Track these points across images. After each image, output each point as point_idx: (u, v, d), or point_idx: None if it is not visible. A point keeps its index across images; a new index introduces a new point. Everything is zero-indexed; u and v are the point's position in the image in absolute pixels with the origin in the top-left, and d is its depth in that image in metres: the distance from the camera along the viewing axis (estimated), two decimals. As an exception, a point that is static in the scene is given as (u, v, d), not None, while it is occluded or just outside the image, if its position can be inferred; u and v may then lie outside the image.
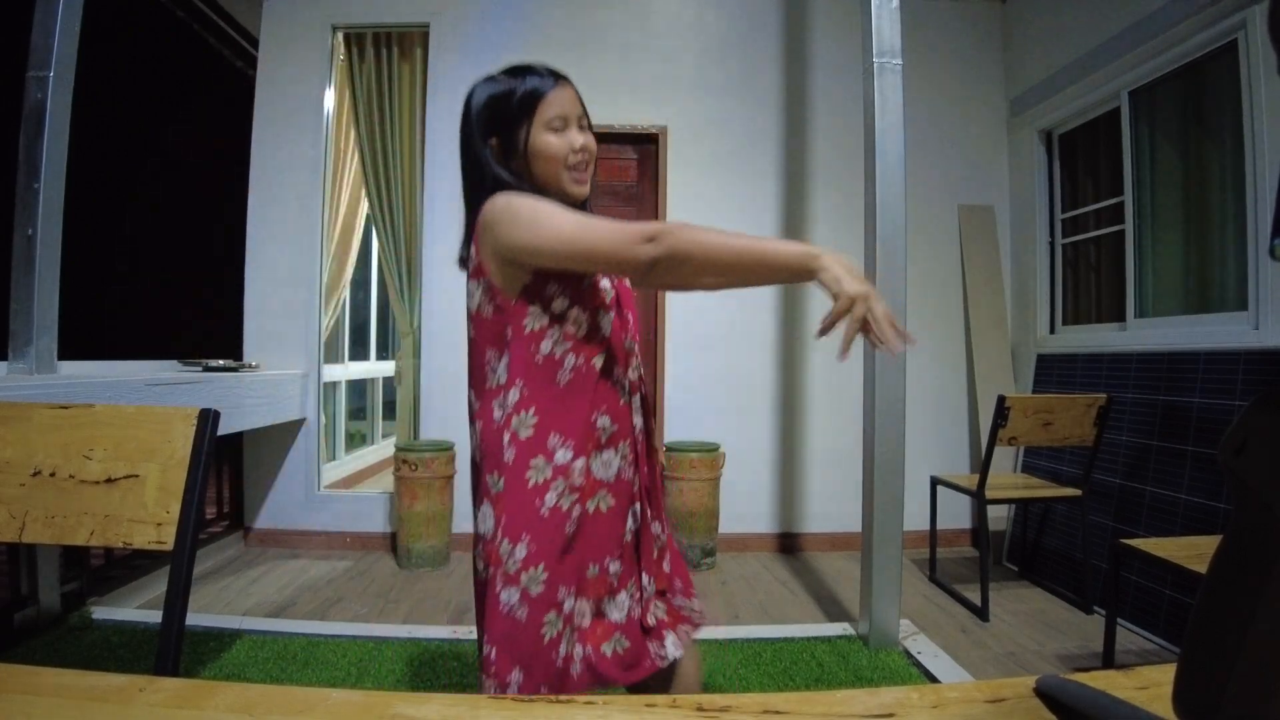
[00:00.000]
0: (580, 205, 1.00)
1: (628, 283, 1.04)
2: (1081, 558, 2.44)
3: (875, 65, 2.14)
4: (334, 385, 3.80)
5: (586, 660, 0.90)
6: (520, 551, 0.87)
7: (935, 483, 2.68)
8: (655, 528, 1.01)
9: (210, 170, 3.40)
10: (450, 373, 3.16)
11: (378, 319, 4.54)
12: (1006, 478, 2.78)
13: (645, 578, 0.98)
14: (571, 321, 0.93)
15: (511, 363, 0.92)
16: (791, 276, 0.84)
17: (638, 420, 1.00)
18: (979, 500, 2.35)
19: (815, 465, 3.20)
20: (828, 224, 3.25)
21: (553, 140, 0.96)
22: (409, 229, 3.30)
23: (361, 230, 3.75)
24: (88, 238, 2.42)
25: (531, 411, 0.90)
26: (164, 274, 3.17)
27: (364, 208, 3.61)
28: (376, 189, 3.28)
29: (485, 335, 0.96)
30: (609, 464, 0.95)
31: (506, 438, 0.91)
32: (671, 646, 0.96)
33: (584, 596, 0.92)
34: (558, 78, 0.99)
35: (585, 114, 1.01)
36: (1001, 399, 2.28)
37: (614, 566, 0.95)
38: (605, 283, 0.97)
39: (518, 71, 0.99)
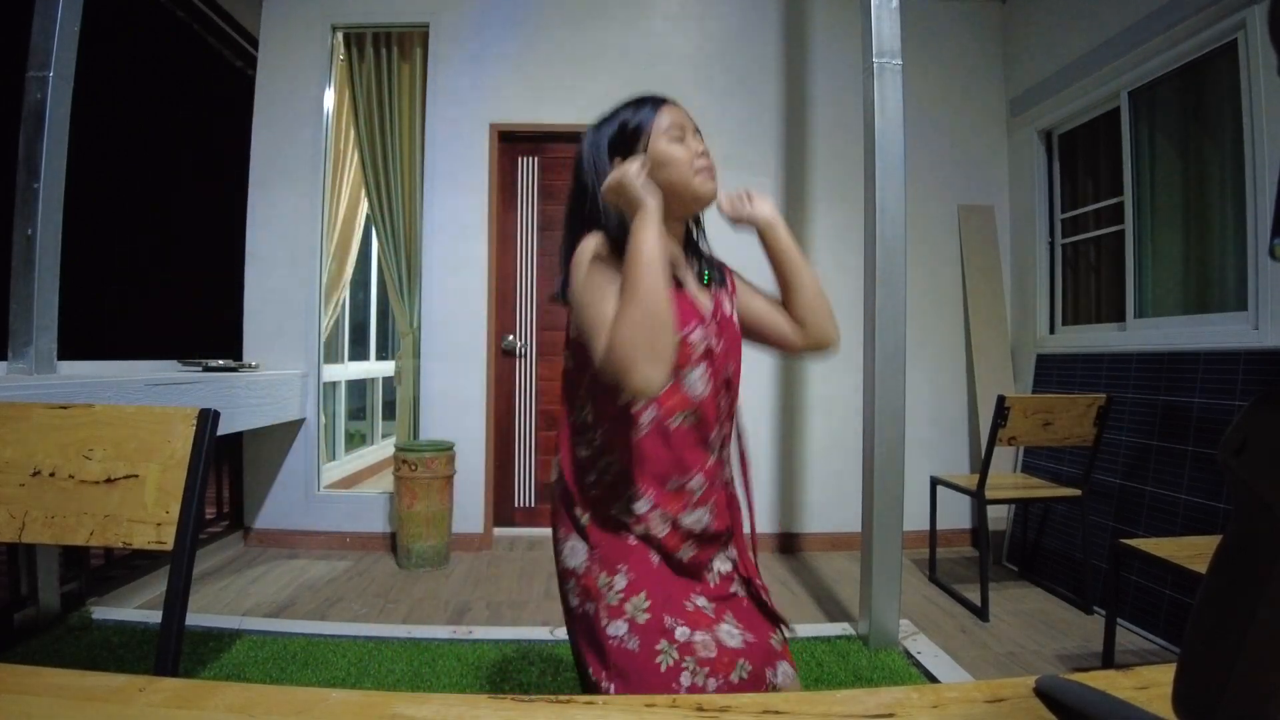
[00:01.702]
0: (707, 205, 1.00)
1: (719, 343, 0.97)
2: (1081, 558, 2.44)
3: (875, 65, 2.14)
4: (334, 385, 3.80)
5: (719, 690, 0.87)
6: (620, 582, 0.88)
7: (935, 483, 2.68)
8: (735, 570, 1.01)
9: (210, 170, 3.40)
10: (450, 372, 3.16)
11: (377, 319, 4.55)
12: (1006, 478, 2.78)
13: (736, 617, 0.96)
14: None
15: (595, 405, 0.93)
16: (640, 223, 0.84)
17: (728, 474, 1.00)
18: (979, 500, 2.35)
19: (815, 465, 3.20)
20: (828, 224, 3.25)
21: (675, 148, 0.95)
22: (409, 229, 3.30)
23: (361, 230, 3.75)
24: (87, 238, 2.42)
25: (614, 458, 0.91)
26: (164, 274, 3.16)
27: (364, 208, 3.62)
28: (376, 189, 3.28)
29: (579, 366, 0.95)
30: (699, 520, 0.94)
31: (591, 478, 0.93)
32: (784, 676, 0.93)
33: (698, 628, 0.89)
34: (665, 99, 1.01)
35: (698, 130, 1.01)
36: (1001, 399, 2.28)
37: (702, 601, 0.93)
38: (695, 335, 0.92)
39: (628, 102, 1.01)
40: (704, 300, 0.98)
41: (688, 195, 0.95)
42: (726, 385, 0.97)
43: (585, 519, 0.93)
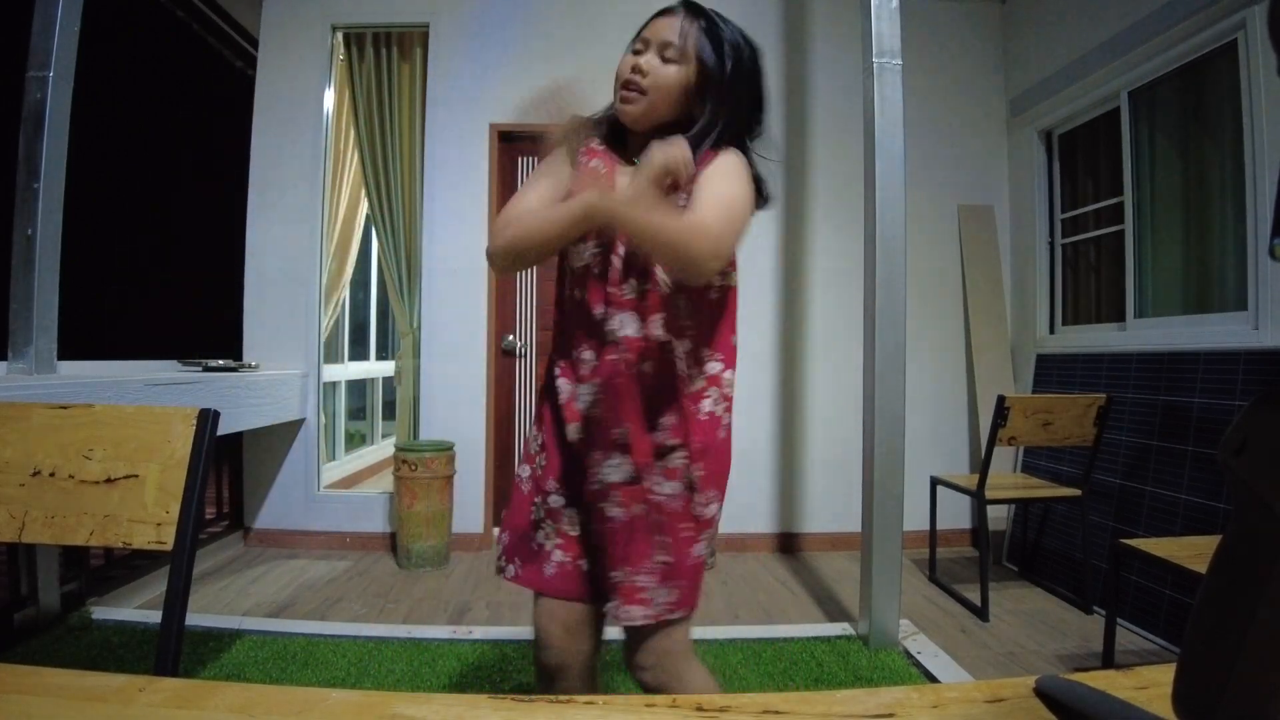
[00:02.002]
0: (626, 132, 1.03)
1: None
2: (1081, 558, 2.44)
3: (875, 65, 2.14)
4: (334, 385, 3.80)
5: (564, 566, 1.04)
6: (538, 439, 1.07)
7: (935, 483, 2.68)
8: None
9: (210, 170, 3.40)
10: (450, 372, 3.16)
11: (377, 319, 4.54)
12: (1006, 478, 2.78)
13: None
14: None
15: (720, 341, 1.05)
16: (587, 228, 0.92)
17: (634, 370, 1.01)
18: (979, 500, 2.35)
19: (815, 465, 3.20)
20: (828, 224, 3.25)
21: (623, 59, 1.00)
22: (409, 229, 3.30)
23: (361, 230, 3.75)
24: (87, 238, 2.41)
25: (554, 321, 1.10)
26: (164, 274, 3.16)
27: (364, 207, 3.62)
28: (376, 189, 3.28)
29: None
30: (585, 399, 1.01)
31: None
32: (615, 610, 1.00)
33: (554, 521, 1.06)
34: (667, 10, 1.00)
35: (679, 46, 0.96)
36: (1001, 399, 2.28)
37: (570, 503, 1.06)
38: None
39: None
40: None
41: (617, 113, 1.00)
42: (634, 275, 0.96)
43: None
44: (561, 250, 0.99)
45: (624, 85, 0.98)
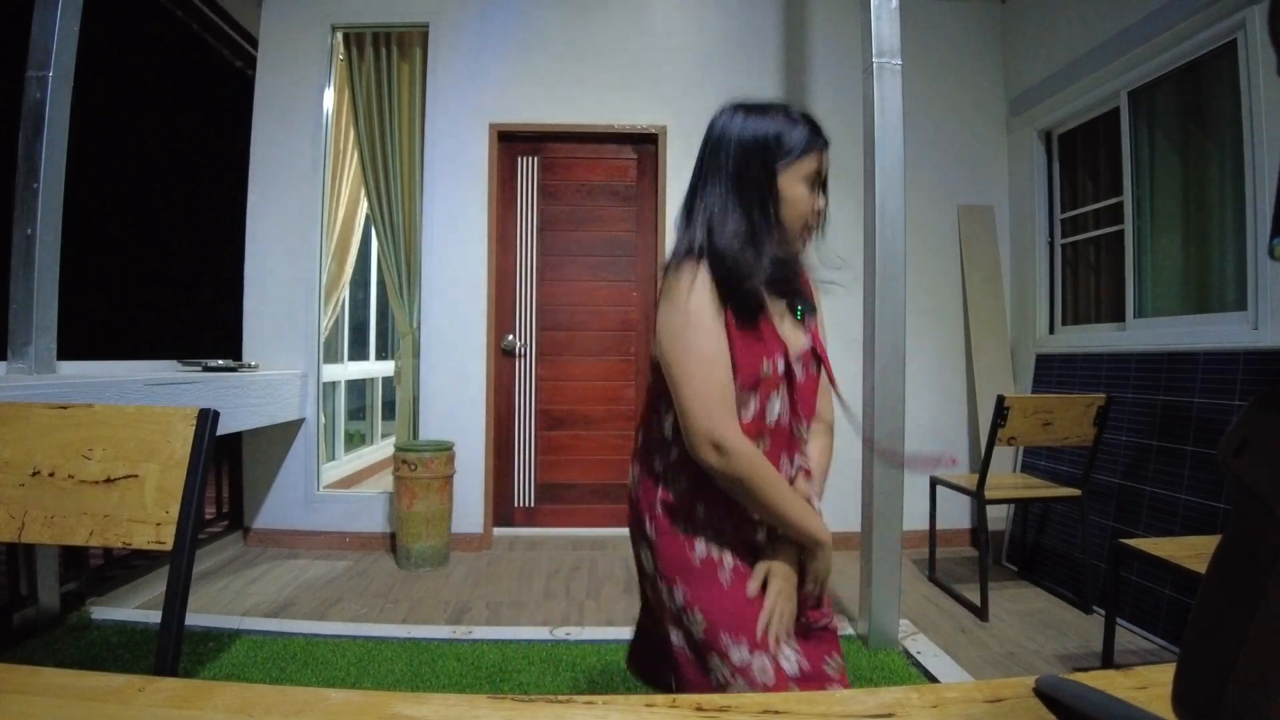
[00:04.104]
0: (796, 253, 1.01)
1: (803, 373, 0.99)
2: (1081, 558, 2.44)
3: (875, 65, 2.14)
4: (333, 385, 3.80)
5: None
6: (679, 594, 0.93)
7: (935, 483, 2.68)
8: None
9: (210, 170, 3.40)
10: (449, 372, 3.16)
11: (377, 319, 4.54)
12: (1006, 478, 2.78)
13: None
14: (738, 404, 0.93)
15: (676, 423, 0.94)
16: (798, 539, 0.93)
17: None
18: (978, 500, 2.35)
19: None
20: (828, 224, 3.24)
21: (803, 190, 0.96)
22: (408, 229, 3.30)
23: (361, 230, 3.75)
24: (87, 237, 2.41)
25: (688, 475, 0.94)
26: (163, 274, 3.16)
27: (364, 207, 3.62)
28: (376, 189, 3.28)
29: (663, 388, 0.98)
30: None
31: (662, 492, 0.97)
32: None
33: (757, 650, 0.95)
34: (825, 141, 0.99)
35: (826, 182, 1.01)
36: (1001, 399, 2.28)
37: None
38: (779, 366, 0.94)
39: (790, 114, 0.97)
40: (790, 332, 0.98)
41: (789, 242, 0.97)
42: (795, 411, 0.98)
43: (652, 531, 0.95)
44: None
45: (809, 226, 0.99)
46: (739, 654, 0.87)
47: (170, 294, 3.21)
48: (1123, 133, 2.72)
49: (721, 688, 0.87)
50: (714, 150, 0.96)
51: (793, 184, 0.94)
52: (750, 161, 0.93)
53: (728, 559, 0.93)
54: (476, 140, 3.20)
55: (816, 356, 1.01)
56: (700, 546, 0.93)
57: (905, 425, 2.15)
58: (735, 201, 0.93)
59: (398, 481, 2.84)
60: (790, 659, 0.90)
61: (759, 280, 0.92)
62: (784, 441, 0.97)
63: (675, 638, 0.92)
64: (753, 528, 0.95)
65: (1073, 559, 2.57)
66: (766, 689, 0.86)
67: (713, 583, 0.91)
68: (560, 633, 2.17)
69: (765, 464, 0.88)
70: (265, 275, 3.17)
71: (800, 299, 1.01)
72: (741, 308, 0.91)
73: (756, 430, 0.93)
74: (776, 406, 0.94)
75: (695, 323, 0.88)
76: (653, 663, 1.04)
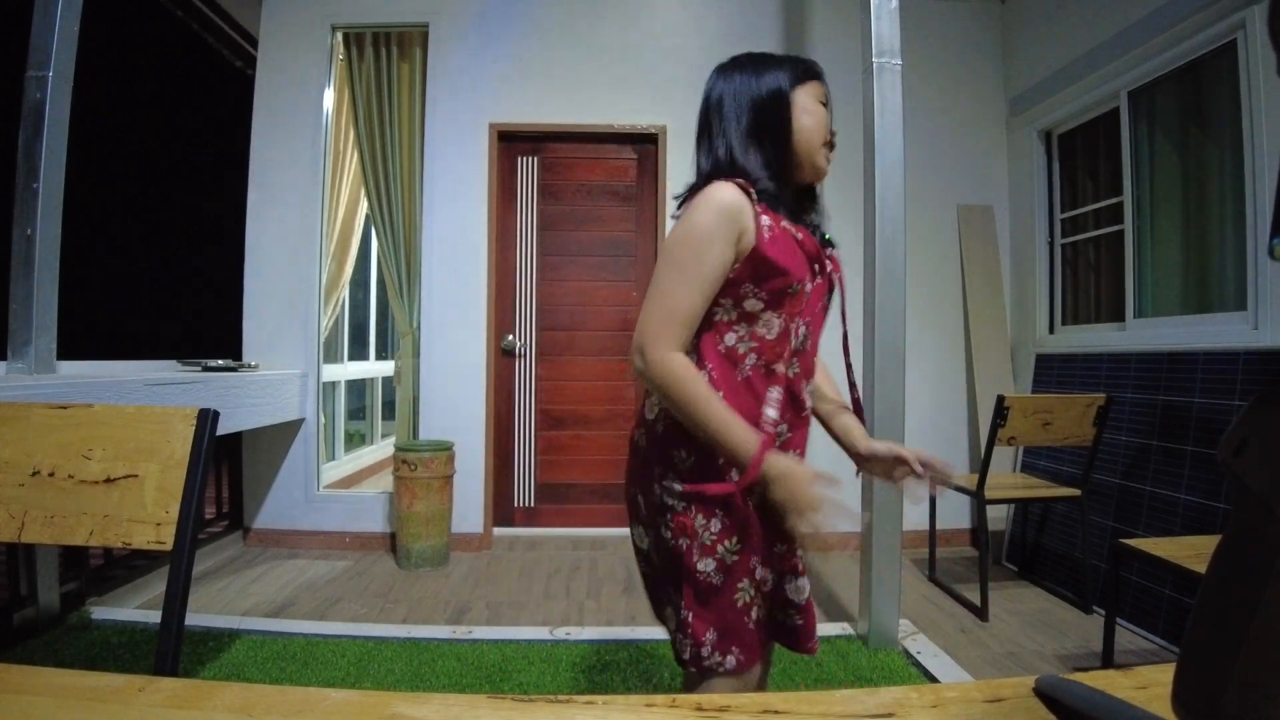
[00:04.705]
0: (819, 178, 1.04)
1: (823, 300, 1.02)
2: (1081, 558, 2.44)
3: (875, 65, 2.14)
4: (333, 385, 3.80)
5: (762, 623, 0.97)
6: (715, 525, 0.93)
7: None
8: None
9: (209, 170, 3.40)
10: (449, 372, 3.16)
11: (377, 319, 4.55)
12: (1006, 477, 2.78)
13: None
14: (762, 324, 0.94)
15: (702, 346, 0.94)
16: (727, 458, 0.91)
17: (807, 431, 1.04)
18: (978, 500, 2.35)
19: (814, 464, 3.20)
20: (827, 224, 3.24)
21: (815, 114, 0.99)
22: (408, 228, 3.30)
23: (361, 230, 3.75)
24: (87, 237, 2.42)
25: (720, 396, 0.92)
26: (163, 274, 3.16)
27: (363, 207, 3.62)
28: (376, 188, 3.28)
29: None
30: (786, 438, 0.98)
31: None
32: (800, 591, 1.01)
33: (770, 567, 0.98)
34: (814, 71, 1.02)
35: (828, 103, 1.04)
36: (1001, 399, 2.28)
37: (787, 549, 1.00)
38: (809, 286, 0.96)
39: (772, 58, 1.02)
40: (814, 254, 0.98)
41: (807, 164, 1.00)
42: (815, 349, 1.02)
43: (689, 462, 0.94)
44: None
45: (829, 145, 1.01)
46: (763, 574, 0.96)
47: (170, 294, 3.21)
48: (1123, 133, 2.72)
49: (745, 608, 0.93)
50: (725, 101, 1.00)
51: (808, 103, 0.98)
52: (763, 93, 0.97)
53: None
54: (476, 140, 3.20)
55: (830, 287, 1.02)
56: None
57: (905, 425, 2.15)
58: (754, 129, 0.97)
59: (398, 481, 2.84)
60: (800, 589, 0.99)
61: (789, 190, 0.97)
62: (808, 369, 1.00)
63: (703, 565, 0.93)
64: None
65: (1073, 559, 2.57)
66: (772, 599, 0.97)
67: (743, 511, 0.94)
68: (560, 633, 2.17)
69: (689, 379, 0.87)
70: (265, 275, 3.17)
71: (820, 226, 1.04)
72: (772, 206, 0.94)
73: (781, 351, 0.94)
74: (800, 328, 0.96)
75: (690, 239, 0.89)
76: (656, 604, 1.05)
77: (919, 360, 3.11)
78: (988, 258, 3.33)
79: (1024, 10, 3.26)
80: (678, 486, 0.94)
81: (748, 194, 0.91)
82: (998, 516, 3.09)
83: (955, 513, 3.17)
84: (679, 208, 0.97)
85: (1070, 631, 2.26)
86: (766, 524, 0.95)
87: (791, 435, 0.99)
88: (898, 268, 2.13)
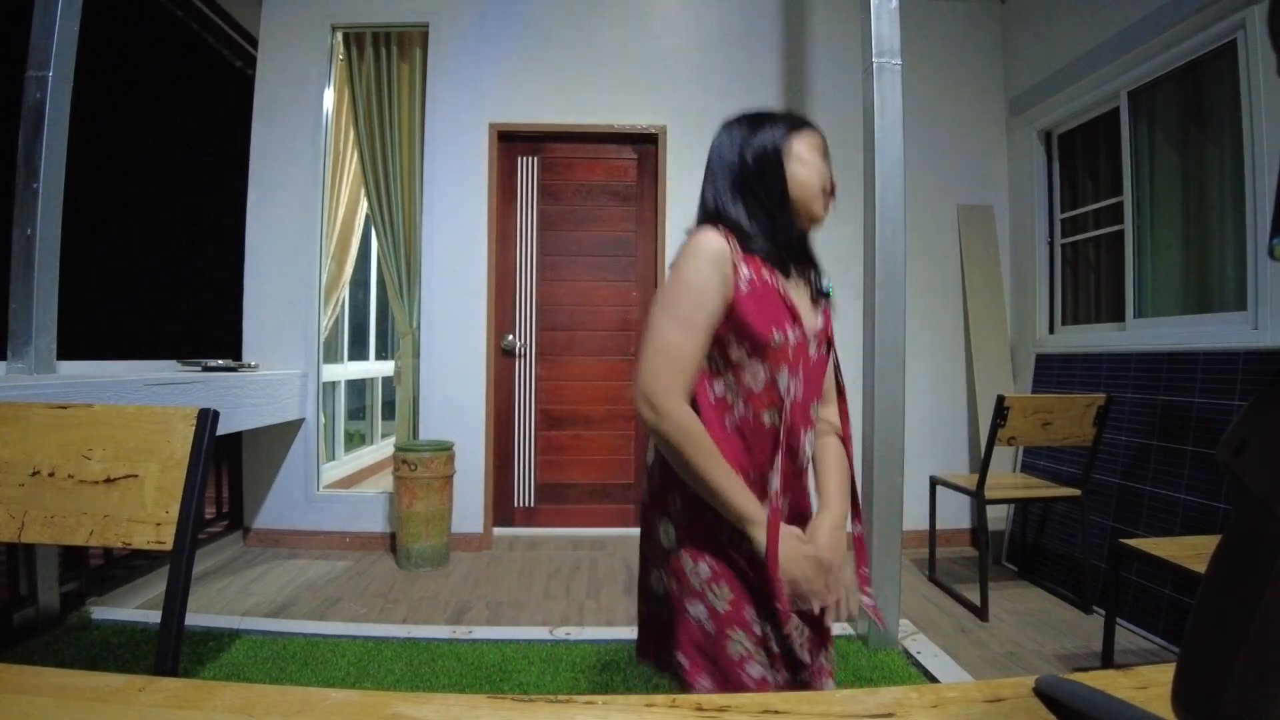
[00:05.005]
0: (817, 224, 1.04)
1: (816, 353, 1.00)
2: (1081, 558, 2.44)
3: (875, 65, 2.14)
4: (333, 385, 3.80)
5: (768, 683, 0.91)
6: (704, 569, 0.92)
7: (935, 483, 2.68)
8: None
9: (209, 170, 3.40)
10: (449, 372, 3.16)
11: (377, 319, 4.55)
12: (1006, 478, 2.78)
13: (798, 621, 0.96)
14: (748, 373, 0.93)
15: (696, 395, 0.93)
16: (731, 519, 0.90)
17: (806, 484, 1.01)
18: (978, 500, 2.35)
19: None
20: (827, 225, 3.24)
21: (814, 165, 1.00)
22: (408, 228, 3.30)
23: (361, 230, 3.75)
24: (87, 237, 2.42)
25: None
26: (163, 274, 3.16)
27: (363, 207, 3.62)
28: (376, 188, 3.28)
29: None
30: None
31: None
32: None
33: (770, 623, 0.92)
34: (806, 124, 1.03)
35: (827, 153, 1.05)
36: (1001, 399, 2.28)
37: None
38: (791, 336, 0.94)
39: (767, 115, 1.03)
40: (805, 309, 0.98)
41: (804, 212, 1.00)
42: (808, 389, 0.97)
43: (679, 504, 0.94)
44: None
45: (828, 192, 1.01)
46: (762, 627, 0.91)
47: (170, 294, 3.21)
48: (1122, 133, 2.72)
49: (742, 660, 0.89)
50: (720, 154, 1.00)
51: (804, 152, 0.98)
52: (761, 147, 0.97)
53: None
54: (476, 140, 3.20)
55: (828, 341, 1.02)
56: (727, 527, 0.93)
57: (905, 425, 2.15)
58: (746, 178, 0.98)
59: (398, 481, 2.84)
60: (804, 650, 0.92)
61: (778, 239, 0.97)
62: (802, 418, 0.96)
63: (694, 610, 0.91)
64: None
65: (1073, 559, 2.57)
66: (779, 660, 0.90)
67: (732, 562, 0.92)
68: (560, 633, 2.17)
69: (698, 435, 0.87)
70: (265, 275, 3.17)
71: (817, 276, 1.03)
72: (760, 257, 0.94)
73: (769, 401, 0.93)
74: (785, 379, 0.93)
75: (683, 286, 0.89)
76: (661, 649, 1.02)
77: (919, 360, 3.11)
78: (988, 258, 3.33)
79: (1024, 10, 3.26)
80: (672, 530, 0.94)
81: (729, 241, 0.91)
82: (998, 516, 3.09)
83: (955, 513, 3.17)
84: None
85: (1070, 631, 2.26)
86: (759, 576, 0.92)
87: (791, 497, 0.97)
88: (898, 268, 2.13)
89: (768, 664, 0.91)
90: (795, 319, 0.94)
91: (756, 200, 0.97)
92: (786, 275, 0.98)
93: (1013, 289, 3.34)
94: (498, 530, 3.26)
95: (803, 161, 0.98)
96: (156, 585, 2.52)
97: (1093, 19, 2.79)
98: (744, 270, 0.91)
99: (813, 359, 0.97)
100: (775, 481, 0.91)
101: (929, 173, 3.27)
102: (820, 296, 1.02)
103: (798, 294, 0.99)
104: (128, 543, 0.80)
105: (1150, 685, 0.53)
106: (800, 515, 0.99)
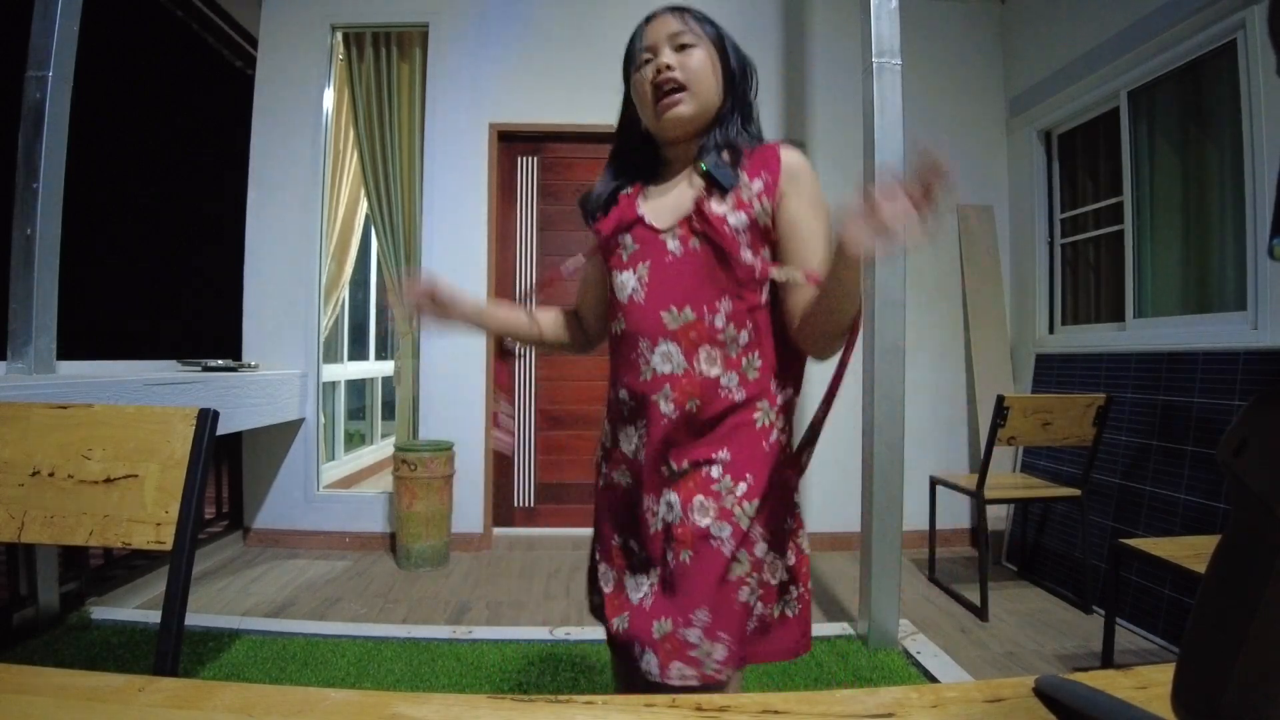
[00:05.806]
0: (652, 155, 0.97)
1: (680, 249, 0.87)
2: (1081, 558, 2.44)
3: (875, 65, 2.14)
4: (333, 385, 3.80)
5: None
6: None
7: (934, 483, 2.68)
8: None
9: (209, 170, 3.41)
10: (449, 372, 3.16)
11: (377, 318, 4.55)
12: (1006, 478, 2.78)
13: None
14: (612, 282, 0.93)
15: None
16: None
17: (664, 407, 0.85)
18: (978, 500, 2.35)
19: (814, 464, 3.19)
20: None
21: (636, 76, 0.91)
22: (408, 228, 3.30)
23: (361, 230, 3.75)
24: (87, 237, 2.42)
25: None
26: (163, 274, 3.17)
27: (363, 207, 3.62)
28: (376, 188, 3.28)
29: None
30: (629, 438, 0.91)
31: None
32: (650, 666, 0.79)
33: (609, 564, 0.93)
34: (649, 17, 0.91)
35: (689, 29, 0.89)
36: (1000, 399, 2.28)
37: (634, 544, 0.90)
38: (627, 238, 0.89)
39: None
40: (670, 203, 0.90)
41: (654, 129, 0.93)
42: (656, 297, 0.86)
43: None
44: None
45: (662, 89, 0.86)
46: (603, 572, 0.93)
47: (170, 294, 3.21)
48: (1122, 133, 2.72)
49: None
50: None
51: (639, 59, 0.91)
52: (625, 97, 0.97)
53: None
54: (476, 140, 3.20)
55: (704, 228, 0.85)
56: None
57: (905, 425, 2.15)
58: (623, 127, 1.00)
59: (397, 481, 2.84)
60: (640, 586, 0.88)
61: (600, 189, 1.02)
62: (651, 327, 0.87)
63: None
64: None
65: (1073, 559, 2.57)
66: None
67: (599, 492, 1.00)
68: (560, 633, 2.17)
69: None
70: (265, 275, 3.17)
71: (715, 164, 0.87)
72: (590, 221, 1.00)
73: (615, 308, 0.92)
74: (625, 284, 0.90)
75: None
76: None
77: (919, 360, 3.11)
78: (988, 258, 3.33)
79: (1024, 10, 3.26)
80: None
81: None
82: (998, 516, 3.09)
83: (955, 513, 3.17)
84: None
85: (1070, 631, 2.26)
86: (600, 511, 0.97)
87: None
88: (898, 268, 2.13)
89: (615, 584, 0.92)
90: (636, 217, 0.90)
91: (623, 120, 1.00)
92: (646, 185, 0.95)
93: (1012, 289, 3.34)
94: (498, 530, 3.26)
95: (638, 70, 0.90)
96: (156, 585, 2.52)
97: (1092, 19, 2.79)
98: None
99: (667, 257, 0.86)
100: (623, 392, 0.93)
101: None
102: (712, 185, 0.86)
103: (657, 199, 0.92)
104: (127, 543, 0.80)
105: (1150, 685, 0.53)
106: (652, 458, 0.88)
